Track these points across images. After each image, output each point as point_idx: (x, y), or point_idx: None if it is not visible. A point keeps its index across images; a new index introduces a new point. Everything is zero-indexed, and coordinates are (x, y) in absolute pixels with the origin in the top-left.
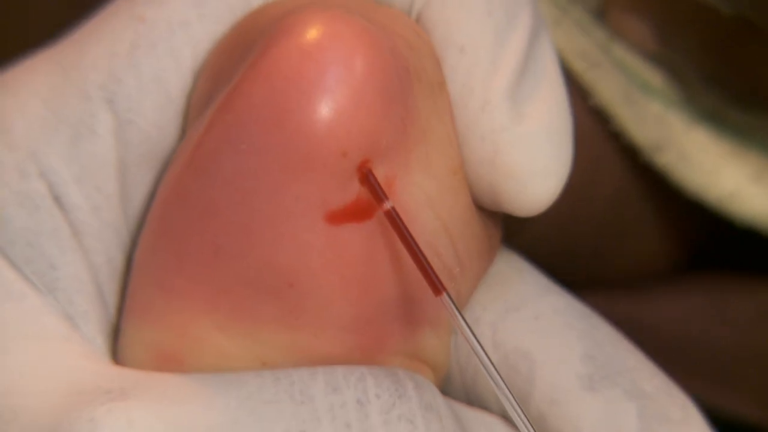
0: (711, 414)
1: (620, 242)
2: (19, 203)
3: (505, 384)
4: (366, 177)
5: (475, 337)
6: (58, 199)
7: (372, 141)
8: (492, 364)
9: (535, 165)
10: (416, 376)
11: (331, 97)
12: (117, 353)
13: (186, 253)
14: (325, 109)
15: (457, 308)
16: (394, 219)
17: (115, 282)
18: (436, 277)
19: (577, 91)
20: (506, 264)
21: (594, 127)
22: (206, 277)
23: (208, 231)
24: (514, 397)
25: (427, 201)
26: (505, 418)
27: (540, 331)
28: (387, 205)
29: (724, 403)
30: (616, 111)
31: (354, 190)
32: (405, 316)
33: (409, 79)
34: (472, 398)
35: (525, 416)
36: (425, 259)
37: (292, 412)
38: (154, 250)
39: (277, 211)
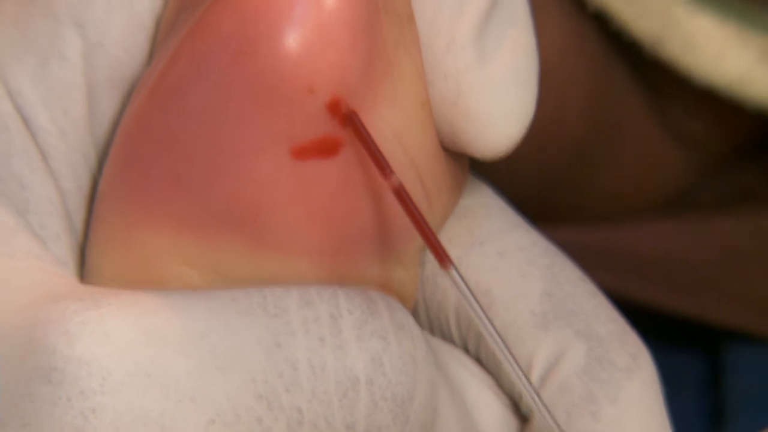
0: (697, 323)
1: (591, 182)
2: None
3: (515, 360)
4: (351, 120)
5: (484, 312)
6: (26, 121)
7: (339, 77)
8: (502, 340)
9: (497, 109)
10: (387, 296)
11: (299, 31)
12: (82, 282)
13: (148, 183)
14: (292, 44)
15: (465, 283)
16: (400, 192)
17: (83, 209)
18: (443, 251)
19: (573, 3)
20: (475, 198)
21: (561, 66)
22: (168, 208)
23: (170, 162)
24: (521, 369)
25: (394, 135)
26: (467, 351)
27: (502, 267)
28: (395, 181)
29: (709, 314)
30: (616, 9)
31: (322, 127)
32: (372, 248)
33: (377, 11)
34: (436, 332)
35: (534, 391)
36: (431, 232)
37: (266, 323)
38: (116, 180)
39: (241, 144)
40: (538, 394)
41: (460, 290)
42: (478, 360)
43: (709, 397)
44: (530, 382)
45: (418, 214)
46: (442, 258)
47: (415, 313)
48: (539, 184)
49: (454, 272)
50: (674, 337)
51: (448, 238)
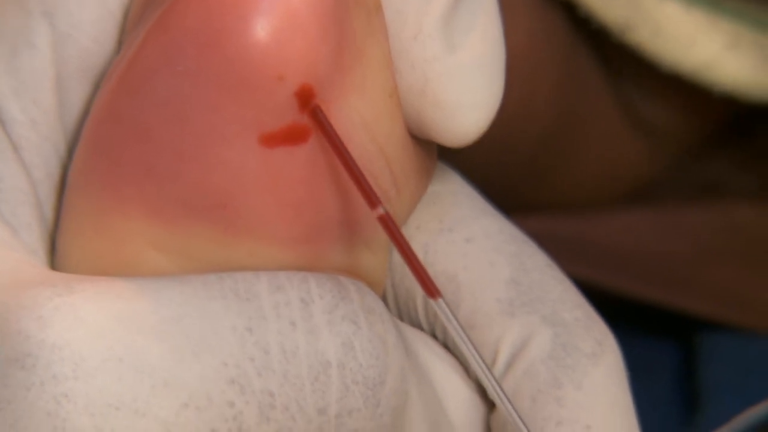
0: (670, 312)
1: (558, 172)
2: None
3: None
4: (315, 114)
5: (471, 341)
6: None
7: (309, 65)
8: (495, 378)
9: (464, 97)
10: (357, 282)
11: (267, 20)
12: (53, 269)
13: (118, 169)
14: (260, 32)
15: (452, 312)
16: (386, 221)
17: (54, 198)
18: (431, 280)
19: None
20: (444, 185)
21: (530, 56)
22: (138, 194)
23: (140, 149)
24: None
25: (362, 124)
26: (435, 337)
27: (470, 254)
28: (380, 211)
29: (683, 304)
30: None
31: (290, 115)
32: (342, 235)
33: (346, 0)
34: (405, 318)
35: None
36: (418, 261)
37: (237, 309)
38: (87, 166)
39: (209, 131)
40: (511, 402)
41: (445, 319)
42: (446, 346)
43: (683, 384)
44: (504, 392)
45: (404, 241)
46: (428, 287)
47: (383, 300)
48: (506, 172)
49: (442, 303)
50: (647, 326)
51: (416, 225)
